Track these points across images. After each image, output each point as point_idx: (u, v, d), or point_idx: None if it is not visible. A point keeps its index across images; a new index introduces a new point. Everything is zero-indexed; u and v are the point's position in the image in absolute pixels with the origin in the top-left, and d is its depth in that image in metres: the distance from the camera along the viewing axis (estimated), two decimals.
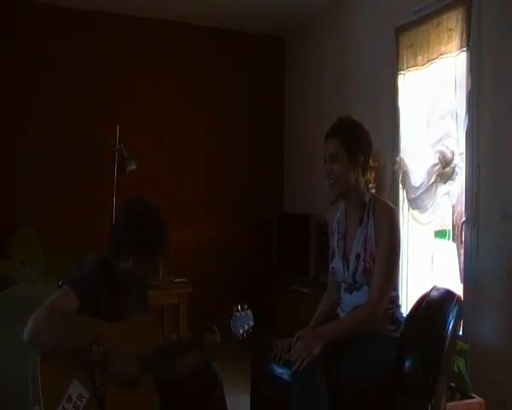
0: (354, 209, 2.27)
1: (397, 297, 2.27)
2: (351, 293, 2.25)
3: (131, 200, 2.03)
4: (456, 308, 2.17)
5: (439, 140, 3.22)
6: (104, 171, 4.67)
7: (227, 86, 5.28)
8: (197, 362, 2.09)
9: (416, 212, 3.42)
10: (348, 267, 2.24)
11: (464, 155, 3.09)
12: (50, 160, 4.61)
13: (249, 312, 2.17)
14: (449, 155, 3.14)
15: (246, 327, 2.14)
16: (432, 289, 2.31)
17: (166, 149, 5.00)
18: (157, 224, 1.96)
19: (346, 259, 2.26)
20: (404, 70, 3.59)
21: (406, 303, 3.38)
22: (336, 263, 2.32)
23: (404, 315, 2.30)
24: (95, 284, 1.89)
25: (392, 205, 2.28)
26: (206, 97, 5.20)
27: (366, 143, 2.28)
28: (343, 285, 2.29)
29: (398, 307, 2.27)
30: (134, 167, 4.59)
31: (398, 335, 2.20)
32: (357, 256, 2.21)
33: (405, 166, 3.54)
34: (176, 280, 4.25)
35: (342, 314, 2.30)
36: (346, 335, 2.11)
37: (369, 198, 2.25)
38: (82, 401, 1.73)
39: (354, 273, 2.21)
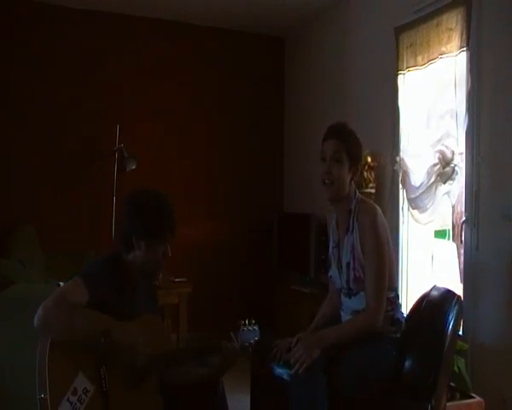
0: (343, 217, 2.26)
1: (396, 298, 2.26)
2: (349, 298, 2.25)
3: (134, 190, 2.05)
4: (456, 308, 2.17)
5: (439, 140, 3.22)
6: (104, 171, 4.67)
7: (227, 86, 5.28)
8: (215, 370, 2.07)
9: (415, 212, 3.42)
10: (343, 276, 2.24)
11: (464, 155, 3.10)
12: (50, 159, 4.61)
13: (256, 328, 2.12)
14: (449, 154, 3.14)
15: (251, 342, 2.12)
16: (432, 289, 2.31)
17: (166, 148, 5.00)
18: (163, 204, 1.99)
19: (340, 267, 2.26)
20: (404, 70, 3.59)
21: (406, 303, 3.38)
22: (333, 272, 2.33)
23: (405, 315, 2.29)
24: (105, 280, 1.89)
25: (373, 205, 2.24)
26: (206, 97, 5.20)
27: (361, 154, 2.35)
28: (342, 290, 2.30)
29: (398, 307, 2.27)
30: (134, 167, 4.60)
31: (398, 335, 2.20)
32: (348, 265, 2.20)
33: (405, 165, 3.54)
34: (176, 280, 4.25)
35: (344, 315, 2.30)
36: (346, 341, 2.11)
37: (354, 204, 2.22)
38: (87, 395, 1.73)
39: (348, 282, 2.21)
